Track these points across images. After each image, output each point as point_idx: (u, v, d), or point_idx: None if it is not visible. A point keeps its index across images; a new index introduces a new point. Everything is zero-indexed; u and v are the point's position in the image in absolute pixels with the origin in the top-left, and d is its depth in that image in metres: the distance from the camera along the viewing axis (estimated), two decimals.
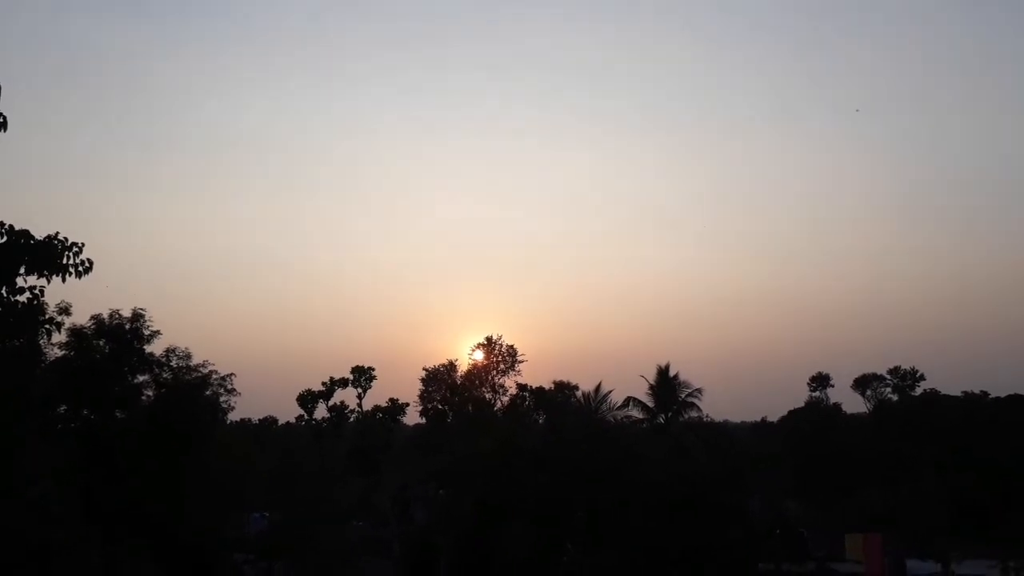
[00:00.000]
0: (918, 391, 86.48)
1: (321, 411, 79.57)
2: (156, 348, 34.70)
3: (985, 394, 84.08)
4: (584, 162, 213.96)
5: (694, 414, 53.73)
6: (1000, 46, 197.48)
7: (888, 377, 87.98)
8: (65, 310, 30.59)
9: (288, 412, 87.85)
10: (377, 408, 78.02)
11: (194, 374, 35.28)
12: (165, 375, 34.71)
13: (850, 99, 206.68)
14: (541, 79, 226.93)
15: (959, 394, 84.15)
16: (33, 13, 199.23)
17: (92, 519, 23.12)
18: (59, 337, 31.93)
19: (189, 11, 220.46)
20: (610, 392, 50.17)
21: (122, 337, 33.69)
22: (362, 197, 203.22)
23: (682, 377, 53.89)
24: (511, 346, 62.26)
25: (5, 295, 11.33)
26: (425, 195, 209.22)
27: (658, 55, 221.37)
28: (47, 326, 13.94)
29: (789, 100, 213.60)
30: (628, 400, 52.87)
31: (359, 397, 79.25)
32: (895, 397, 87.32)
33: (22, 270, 11.26)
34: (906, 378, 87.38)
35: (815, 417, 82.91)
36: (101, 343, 33.53)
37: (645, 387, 53.90)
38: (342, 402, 79.56)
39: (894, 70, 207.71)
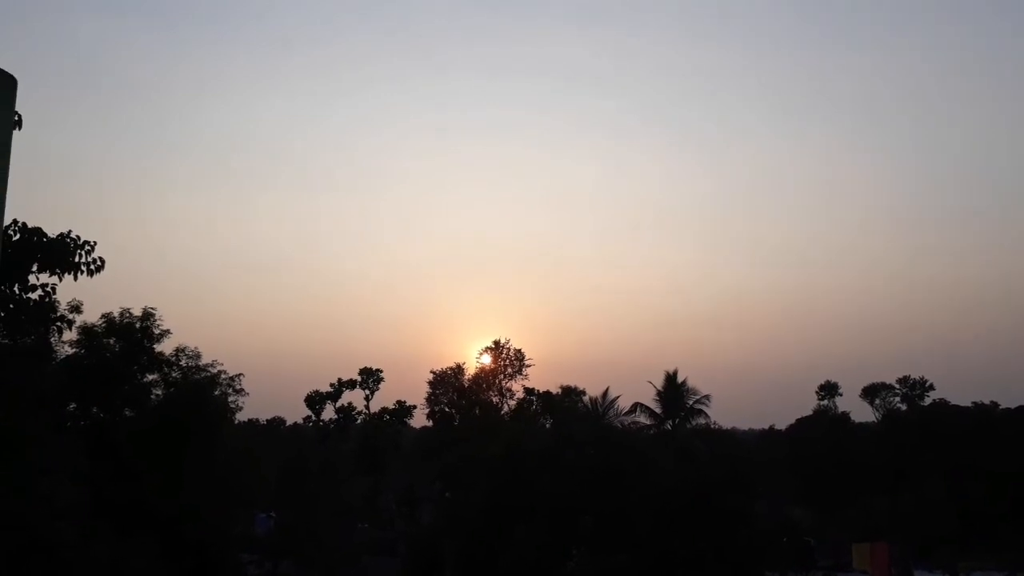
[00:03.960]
0: (927, 401, 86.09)
1: (329, 412, 79.83)
2: (166, 347, 34.87)
3: (995, 404, 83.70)
4: (594, 166, 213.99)
5: (702, 421, 53.83)
6: (1002, 48, 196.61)
7: (897, 386, 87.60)
8: (76, 308, 30.70)
9: (296, 413, 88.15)
10: (384, 410, 78.17)
11: (203, 374, 35.42)
12: (174, 374, 34.85)
13: (854, 102, 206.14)
14: (548, 84, 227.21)
15: (969, 404, 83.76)
16: (50, 15, 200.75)
17: (101, 515, 23.23)
18: (70, 335, 32.06)
19: (202, 14, 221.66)
20: (617, 398, 50.31)
21: (132, 336, 33.84)
22: (371, 200, 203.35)
23: (690, 384, 54.00)
24: (519, 350, 62.36)
25: (18, 292, 11.46)
26: (434, 198, 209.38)
27: (663, 59, 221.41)
28: (58, 323, 14.03)
29: (797, 101, 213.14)
30: (635, 406, 52.96)
31: (367, 399, 79.47)
32: (904, 406, 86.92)
33: (35, 267, 11.39)
34: (915, 387, 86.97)
35: (823, 425, 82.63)
36: (111, 342, 33.70)
37: (653, 393, 54.00)
38: (350, 403, 79.81)
39: (897, 72, 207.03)
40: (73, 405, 33.05)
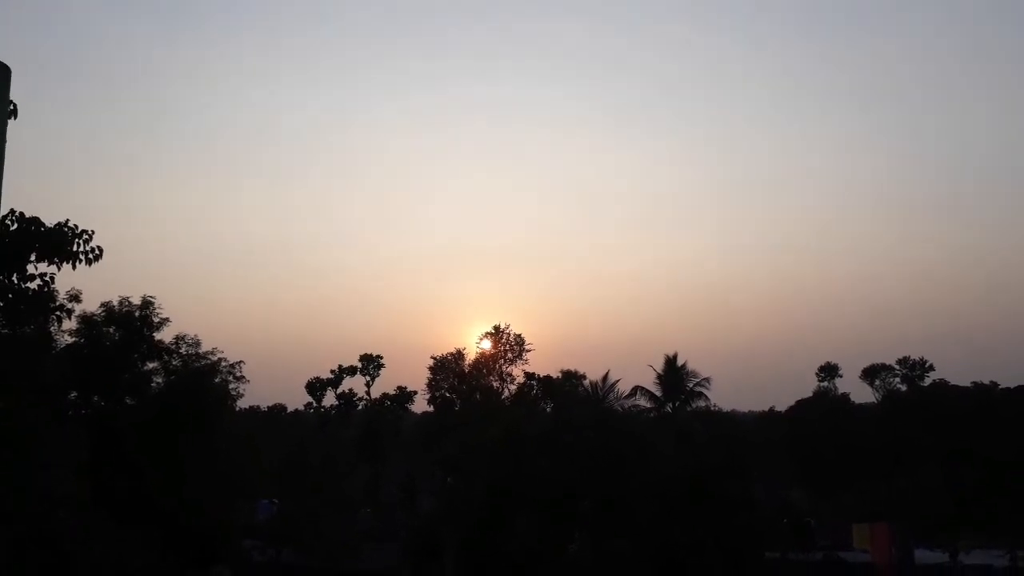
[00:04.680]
0: (927, 381, 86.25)
1: (330, 399, 79.93)
2: (165, 336, 34.85)
3: (995, 384, 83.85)
4: (593, 152, 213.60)
5: (702, 403, 53.84)
6: (1007, 38, 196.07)
7: (897, 367, 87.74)
8: (75, 297, 30.72)
9: (297, 400, 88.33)
10: (385, 396, 78.26)
11: (203, 361, 35.38)
12: (174, 362, 34.82)
13: (862, 91, 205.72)
14: (552, 69, 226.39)
15: (968, 384, 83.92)
16: (41, 4, 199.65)
17: (102, 505, 23.26)
18: (69, 324, 32.07)
19: (192, 1, 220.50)
20: (617, 381, 50.30)
21: (132, 324, 33.80)
22: (372, 187, 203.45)
23: (690, 367, 54.03)
24: (519, 335, 62.31)
25: (16, 282, 11.39)
26: (435, 184, 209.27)
27: (671, 45, 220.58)
28: (57, 313, 13.97)
29: (799, 92, 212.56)
30: (635, 389, 53.00)
31: (367, 385, 79.54)
32: (904, 387, 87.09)
33: (32, 257, 11.32)
34: (915, 368, 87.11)
35: (823, 407, 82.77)
36: (111, 330, 33.66)
37: (653, 376, 54.04)
38: (351, 390, 79.88)
39: (909, 60, 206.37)
40: (74, 394, 33.06)
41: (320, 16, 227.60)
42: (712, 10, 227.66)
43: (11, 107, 10.20)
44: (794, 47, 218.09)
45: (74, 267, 11.47)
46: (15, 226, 11.07)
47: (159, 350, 34.51)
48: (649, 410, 53.53)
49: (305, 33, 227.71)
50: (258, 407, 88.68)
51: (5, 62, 7.01)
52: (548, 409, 57.00)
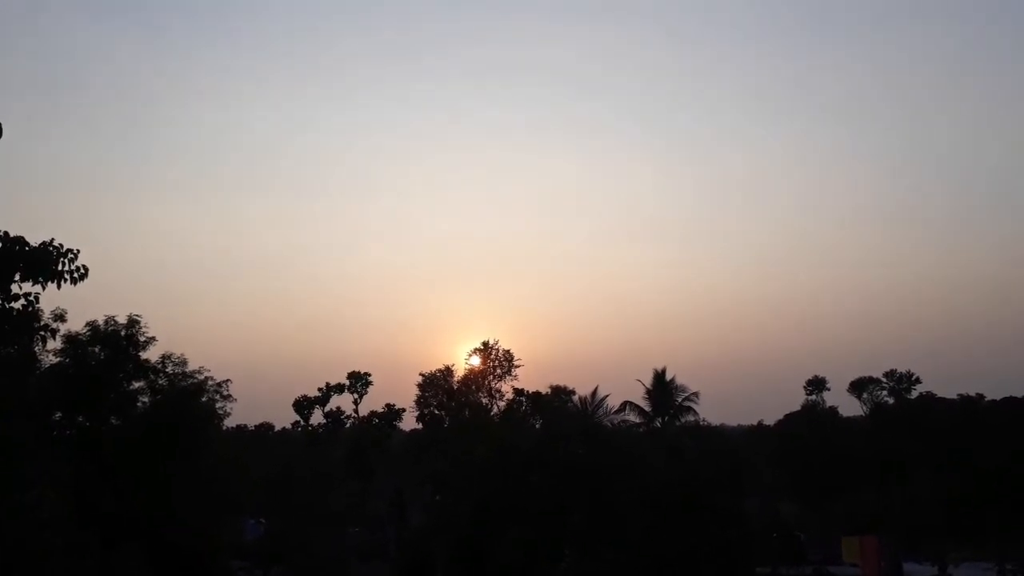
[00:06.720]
0: (914, 394, 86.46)
1: (317, 417, 79.53)
2: (151, 354, 34.71)
3: (981, 396, 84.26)
4: (581, 167, 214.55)
5: (691, 418, 53.94)
6: (990, 52, 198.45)
7: (884, 380, 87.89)
8: (60, 317, 30.53)
9: (284, 418, 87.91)
10: (373, 414, 77.90)
11: (190, 380, 35.23)
12: (161, 381, 34.65)
13: (841, 102, 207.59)
14: (535, 87, 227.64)
15: (955, 397, 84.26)
16: (33, 20, 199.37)
17: (88, 525, 23.08)
18: (54, 344, 31.90)
19: (189, 19, 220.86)
20: (607, 396, 50.34)
21: (117, 344, 33.64)
22: (358, 203, 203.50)
23: (679, 381, 54.17)
24: (508, 351, 62.01)
25: (0, 302, 11.34)
26: (421, 201, 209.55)
27: (649, 61, 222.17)
28: (42, 333, 13.88)
29: (783, 101, 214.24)
30: (625, 404, 53.06)
31: (355, 403, 79.14)
32: (891, 400, 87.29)
33: (17, 276, 11.27)
34: (902, 381, 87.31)
35: (811, 420, 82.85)
36: (96, 350, 33.47)
37: (642, 391, 54.10)
38: (338, 408, 79.47)
39: (884, 72, 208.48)
40: (59, 414, 32.83)
41: (318, 38, 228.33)
42: (686, 28, 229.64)
43: None
44: (769, 59, 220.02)
45: (59, 286, 11.43)
46: (0, 246, 11.03)
47: (145, 369, 34.35)
48: (638, 425, 53.56)
49: (303, 55, 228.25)
50: (245, 426, 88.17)
51: None
52: (537, 425, 56.80)
